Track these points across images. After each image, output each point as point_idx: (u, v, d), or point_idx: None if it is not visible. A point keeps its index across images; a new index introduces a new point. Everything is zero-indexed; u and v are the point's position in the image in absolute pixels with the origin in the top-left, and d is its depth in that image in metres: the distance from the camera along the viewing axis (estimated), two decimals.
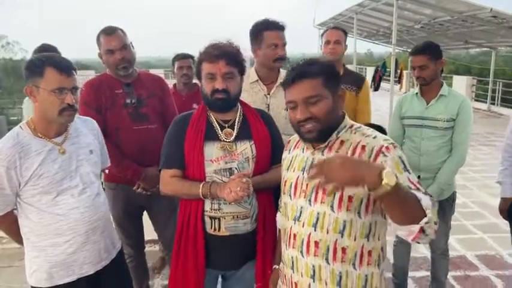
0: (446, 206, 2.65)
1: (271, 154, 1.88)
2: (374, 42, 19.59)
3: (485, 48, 15.31)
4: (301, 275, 1.43)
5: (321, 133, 1.39)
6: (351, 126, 1.45)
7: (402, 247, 2.88)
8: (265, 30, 2.35)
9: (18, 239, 1.80)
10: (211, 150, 1.78)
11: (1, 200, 1.69)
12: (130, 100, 2.48)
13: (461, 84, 14.03)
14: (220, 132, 1.82)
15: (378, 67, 16.67)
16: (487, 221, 4.47)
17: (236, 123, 1.86)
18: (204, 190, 1.74)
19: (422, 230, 1.16)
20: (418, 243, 1.23)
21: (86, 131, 1.90)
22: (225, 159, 1.79)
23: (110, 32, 2.44)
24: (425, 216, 1.15)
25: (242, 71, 1.83)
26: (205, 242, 1.80)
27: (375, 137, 1.37)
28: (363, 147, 1.35)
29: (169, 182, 1.83)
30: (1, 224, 1.80)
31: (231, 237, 1.80)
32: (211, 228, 1.80)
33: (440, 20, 11.14)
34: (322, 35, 3.02)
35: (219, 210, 1.78)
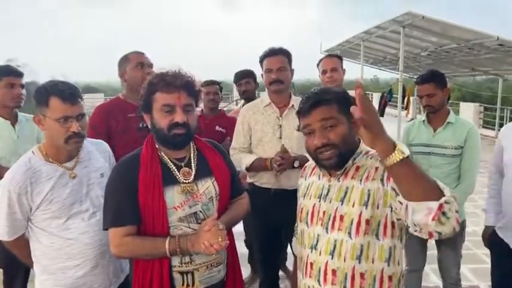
0: (456, 235, 2.61)
1: (231, 188, 1.71)
2: (380, 69, 19.77)
3: (492, 76, 15.37)
4: None
5: (339, 159, 1.39)
6: (367, 152, 1.46)
7: (413, 276, 2.82)
8: (265, 58, 2.48)
9: (29, 262, 1.80)
10: (172, 196, 1.54)
11: (13, 225, 1.71)
12: (142, 124, 2.50)
13: (468, 111, 14.03)
14: (178, 173, 1.58)
15: (383, 93, 16.77)
16: None
17: (192, 160, 1.64)
18: (171, 247, 1.48)
19: (443, 212, 1.10)
20: (440, 234, 1.14)
21: (98, 154, 1.91)
22: (189, 203, 1.56)
23: (141, 52, 2.60)
24: (444, 196, 1.11)
25: (197, 103, 1.64)
26: None
27: None
28: (376, 168, 1.37)
29: (124, 243, 1.51)
30: (13, 247, 1.80)
31: None
32: (183, 284, 1.57)
33: (446, 48, 11.25)
34: (318, 64, 3.05)
35: (191, 262, 1.56)
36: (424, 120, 2.66)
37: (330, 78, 2.89)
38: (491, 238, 2.34)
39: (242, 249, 3.61)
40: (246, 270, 3.69)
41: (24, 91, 2.54)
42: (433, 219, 1.11)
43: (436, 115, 2.59)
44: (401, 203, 1.21)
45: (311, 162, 1.64)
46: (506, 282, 2.26)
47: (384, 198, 1.32)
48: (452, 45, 10.72)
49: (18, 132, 2.49)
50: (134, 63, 2.53)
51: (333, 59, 3.01)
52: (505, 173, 2.21)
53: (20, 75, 2.54)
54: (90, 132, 2.42)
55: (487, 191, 2.47)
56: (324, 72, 2.95)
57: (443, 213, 1.10)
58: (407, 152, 1.10)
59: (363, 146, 1.48)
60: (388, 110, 16.69)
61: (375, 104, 20.30)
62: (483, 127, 14.13)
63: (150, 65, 2.57)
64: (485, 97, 18.49)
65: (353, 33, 13.12)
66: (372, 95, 23.63)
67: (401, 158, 1.10)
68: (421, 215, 1.13)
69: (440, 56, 12.99)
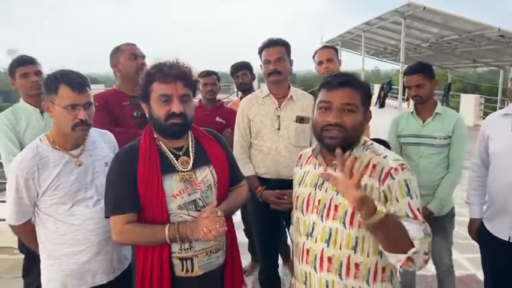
0: (446, 222, 2.68)
1: (229, 176, 1.75)
2: (381, 60, 19.71)
3: (493, 67, 15.34)
4: None
5: (342, 143, 1.39)
6: (364, 143, 1.48)
7: None
8: (263, 49, 2.50)
9: (35, 247, 1.85)
10: (171, 184, 1.58)
11: (20, 210, 1.76)
12: (137, 113, 2.53)
13: (469, 103, 14.02)
14: (176, 162, 1.62)
15: (383, 84, 16.74)
16: None
17: (190, 149, 1.67)
18: (171, 234, 1.52)
19: (410, 259, 1.23)
20: (408, 269, 1.30)
21: (103, 143, 1.95)
22: (187, 191, 1.60)
23: (133, 43, 2.65)
24: (413, 246, 1.22)
25: (195, 94, 1.67)
26: None
27: (385, 157, 1.39)
28: (374, 166, 1.38)
29: (124, 230, 1.56)
30: (20, 232, 1.86)
31: (204, 275, 1.63)
32: (182, 270, 1.60)
33: (447, 39, 11.23)
34: (313, 56, 3.08)
35: (190, 249, 1.59)
36: (412, 112, 2.70)
37: (326, 68, 2.92)
38: (479, 230, 2.36)
39: (242, 238, 3.67)
40: (246, 258, 3.75)
41: (42, 77, 2.53)
42: (401, 266, 1.27)
43: (424, 106, 2.63)
44: None
45: (307, 151, 1.66)
46: (498, 273, 2.26)
47: (388, 205, 1.33)
48: (453, 36, 10.70)
49: (45, 119, 2.53)
50: (128, 54, 2.58)
51: (328, 49, 3.04)
52: (492, 162, 2.22)
53: (31, 62, 2.56)
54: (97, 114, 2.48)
55: (468, 183, 2.46)
56: (320, 63, 2.98)
57: (412, 260, 1.24)
58: (384, 213, 1.19)
59: (361, 137, 1.51)
60: (389, 101, 16.67)
61: (375, 95, 20.28)
62: (483, 118, 14.14)
63: (143, 56, 2.61)
64: (486, 88, 18.47)
65: (353, 24, 13.07)
66: (373, 86, 23.60)
67: (379, 218, 1.18)
68: (390, 259, 1.30)
69: (442, 47, 12.97)
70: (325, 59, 2.95)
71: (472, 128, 12.77)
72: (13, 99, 2.63)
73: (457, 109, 15.06)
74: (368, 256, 1.38)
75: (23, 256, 2.64)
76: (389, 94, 18.30)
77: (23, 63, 2.54)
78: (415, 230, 1.24)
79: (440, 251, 2.71)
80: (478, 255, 2.49)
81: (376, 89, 21.41)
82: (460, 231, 4.33)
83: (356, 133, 1.42)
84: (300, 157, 1.69)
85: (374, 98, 19.39)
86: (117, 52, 2.61)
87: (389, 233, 1.22)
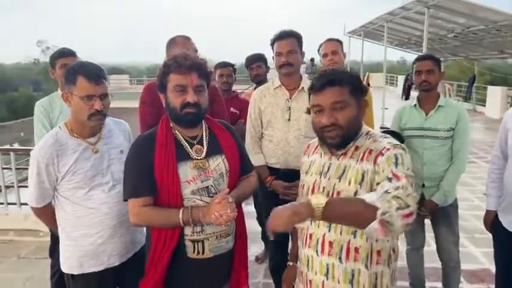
0: (451, 212, 2.69)
1: (240, 166, 1.83)
2: (405, 51, 19.32)
3: None
4: (316, 273, 1.52)
5: (343, 140, 1.46)
6: (367, 133, 1.53)
7: (414, 254, 2.90)
8: (275, 41, 2.53)
9: (55, 229, 1.99)
10: (185, 171, 1.67)
11: (41, 193, 1.88)
12: None
13: (495, 95, 13.56)
14: (191, 150, 1.71)
15: (407, 75, 16.34)
16: None
17: (204, 139, 1.76)
18: (184, 217, 1.61)
19: (384, 222, 1.20)
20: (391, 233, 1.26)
21: (118, 132, 2.05)
22: (201, 177, 1.69)
23: (188, 36, 2.65)
24: (377, 209, 1.21)
25: (209, 85, 1.75)
26: (186, 269, 1.71)
27: (381, 142, 1.45)
28: (370, 151, 1.44)
29: (141, 212, 1.65)
30: (41, 214, 1.98)
31: (214, 258, 1.72)
32: (194, 252, 1.69)
33: (474, 29, 10.92)
34: (318, 49, 3.10)
35: (202, 232, 1.69)
36: (415, 105, 2.70)
37: (330, 61, 2.94)
38: (493, 222, 2.34)
39: (256, 227, 3.74)
40: (260, 246, 3.85)
41: None
42: (384, 235, 1.23)
43: (428, 98, 2.64)
44: None
45: (315, 141, 1.71)
46: (510, 265, 2.24)
47: (376, 178, 1.38)
48: (479, 26, 10.40)
49: None
50: (180, 47, 2.57)
51: (333, 42, 3.05)
52: (510, 154, 2.18)
53: (70, 54, 2.70)
54: (141, 107, 2.55)
55: (488, 175, 2.43)
56: (324, 55, 3.00)
57: (388, 223, 1.20)
58: (323, 201, 1.26)
59: (365, 127, 1.55)
60: (414, 93, 16.32)
61: (399, 86, 19.88)
62: None
63: (195, 51, 2.60)
64: None
65: (376, 14, 12.85)
66: (396, 77, 23.21)
67: (320, 210, 1.25)
68: (371, 234, 1.29)
69: (468, 37, 12.61)
70: (330, 51, 2.96)
71: (498, 121, 12.42)
72: (42, 89, 2.78)
73: (483, 101, 14.67)
74: (367, 240, 1.43)
75: (47, 239, 2.79)
76: (413, 85, 17.98)
77: (64, 55, 2.70)
78: (373, 195, 1.27)
79: (449, 245, 2.71)
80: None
81: (400, 80, 21.04)
82: (478, 225, 4.30)
83: (353, 126, 1.47)
84: (308, 146, 1.76)
85: (399, 90, 19.09)
86: (170, 44, 2.64)
87: (343, 214, 1.28)
